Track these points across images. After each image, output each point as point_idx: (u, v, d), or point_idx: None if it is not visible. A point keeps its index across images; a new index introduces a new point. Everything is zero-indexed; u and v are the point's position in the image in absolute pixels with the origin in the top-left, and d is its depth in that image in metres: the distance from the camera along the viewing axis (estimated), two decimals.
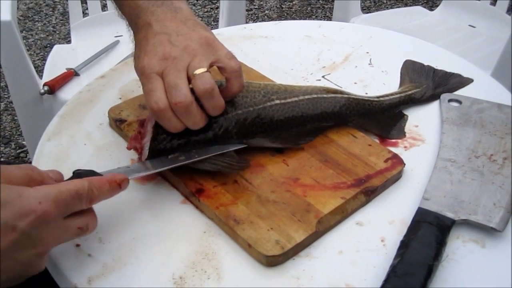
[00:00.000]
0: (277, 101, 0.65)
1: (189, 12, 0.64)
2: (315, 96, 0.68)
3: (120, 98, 0.76)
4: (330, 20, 2.39)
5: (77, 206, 0.49)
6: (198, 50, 0.59)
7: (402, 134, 0.70)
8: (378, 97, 0.73)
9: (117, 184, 0.53)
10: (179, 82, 0.57)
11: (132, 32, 0.66)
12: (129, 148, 0.63)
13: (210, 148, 0.61)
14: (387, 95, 0.74)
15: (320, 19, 2.61)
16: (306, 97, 0.67)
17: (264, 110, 0.64)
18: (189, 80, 0.58)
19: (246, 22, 2.16)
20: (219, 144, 0.62)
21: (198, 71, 0.57)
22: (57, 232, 0.48)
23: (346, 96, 0.70)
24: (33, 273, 0.48)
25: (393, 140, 0.69)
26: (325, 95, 0.68)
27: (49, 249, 0.48)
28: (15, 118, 1.95)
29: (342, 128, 0.68)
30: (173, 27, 0.61)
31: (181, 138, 0.60)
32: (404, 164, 0.63)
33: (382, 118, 0.71)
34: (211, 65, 0.60)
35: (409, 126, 0.71)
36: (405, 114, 0.73)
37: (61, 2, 2.71)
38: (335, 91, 0.70)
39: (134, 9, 0.64)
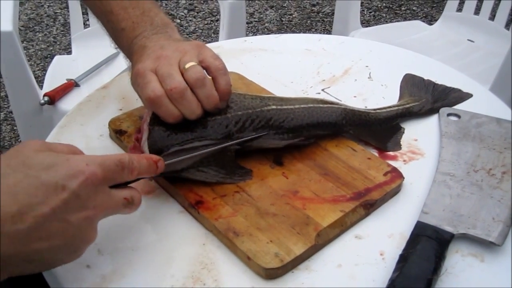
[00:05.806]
0: (273, 107, 0.66)
1: (182, 38, 0.68)
2: (311, 105, 0.68)
3: (121, 110, 0.77)
4: (330, 33, 2.40)
5: (121, 176, 0.51)
6: (188, 49, 0.63)
7: (398, 147, 0.70)
8: (375, 109, 0.74)
9: (154, 162, 0.55)
10: (172, 72, 0.60)
11: (128, 60, 0.70)
12: None
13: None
14: (384, 108, 0.74)
15: (320, 33, 2.62)
16: (302, 106, 0.68)
17: (262, 113, 0.64)
18: (182, 75, 0.60)
19: (246, 35, 2.18)
20: (218, 143, 0.62)
21: (188, 64, 0.60)
22: (104, 198, 0.49)
23: (342, 107, 0.70)
24: (84, 244, 0.49)
25: (392, 154, 0.69)
26: (321, 105, 0.69)
27: (97, 215, 0.49)
28: (15, 128, 1.95)
29: (342, 141, 0.69)
30: (165, 42, 0.65)
31: (179, 133, 0.61)
32: (403, 178, 0.63)
33: (378, 130, 0.72)
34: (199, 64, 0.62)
35: (408, 140, 0.72)
36: (402, 127, 0.73)
37: (62, 13, 2.73)
38: (332, 103, 0.70)
39: (132, 39, 0.68)
